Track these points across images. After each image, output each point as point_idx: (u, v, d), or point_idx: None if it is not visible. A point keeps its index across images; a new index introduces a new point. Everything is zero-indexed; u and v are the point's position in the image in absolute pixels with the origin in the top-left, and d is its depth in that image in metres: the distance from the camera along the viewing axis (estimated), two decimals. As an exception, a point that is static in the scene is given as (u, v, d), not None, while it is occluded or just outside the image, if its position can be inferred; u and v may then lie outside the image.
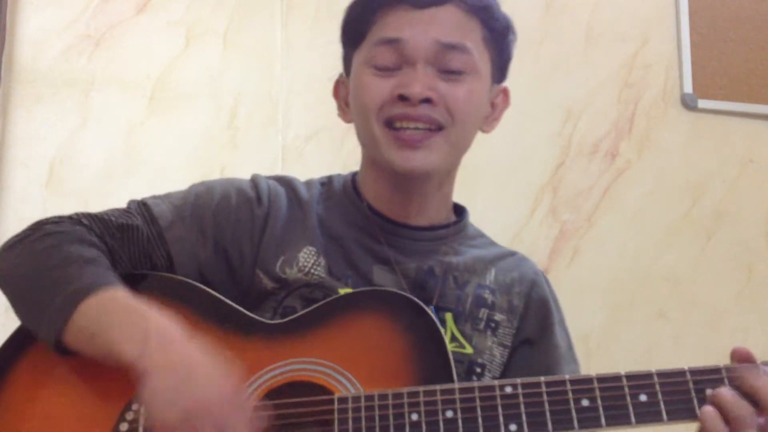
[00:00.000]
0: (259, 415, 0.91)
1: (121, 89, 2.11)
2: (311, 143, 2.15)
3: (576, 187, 2.29)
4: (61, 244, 1.02)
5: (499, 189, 2.24)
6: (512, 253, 1.23)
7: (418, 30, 1.06)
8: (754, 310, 2.27)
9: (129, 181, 2.05)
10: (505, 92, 1.20)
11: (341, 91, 1.19)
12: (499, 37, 1.13)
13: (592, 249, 2.26)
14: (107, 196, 2.01)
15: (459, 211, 1.24)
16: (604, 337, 2.19)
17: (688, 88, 2.37)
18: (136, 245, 1.08)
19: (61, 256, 1.00)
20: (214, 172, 2.07)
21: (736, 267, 2.32)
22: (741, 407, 0.86)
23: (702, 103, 2.37)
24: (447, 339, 1.08)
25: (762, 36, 2.44)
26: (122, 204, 1.14)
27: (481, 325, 1.13)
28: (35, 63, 2.08)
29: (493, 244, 1.24)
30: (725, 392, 0.87)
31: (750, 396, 0.87)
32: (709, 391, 0.89)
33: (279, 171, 2.10)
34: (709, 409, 0.87)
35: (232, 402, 0.88)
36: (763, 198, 2.38)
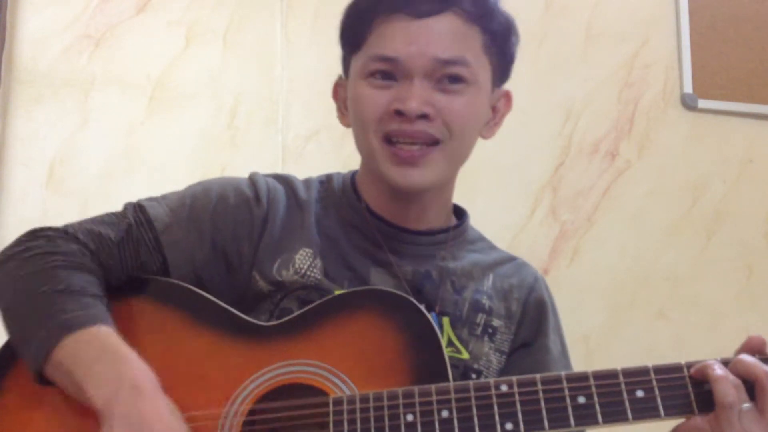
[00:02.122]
0: None
1: (121, 89, 2.11)
2: (311, 143, 2.15)
3: (576, 187, 2.29)
4: (53, 269, 1.01)
5: (499, 189, 2.23)
6: (512, 258, 1.22)
7: (416, 47, 1.04)
8: (754, 310, 2.27)
9: (129, 181, 2.05)
10: (507, 96, 1.18)
11: (341, 93, 1.18)
12: (500, 41, 1.11)
13: (592, 249, 2.26)
14: (107, 196, 2.01)
15: (459, 213, 1.23)
16: (604, 337, 2.19)
17: (688, 88, 2.37)
18: (130, 257, 1.07)
19: (51, 283, 0.99)
20: (214, 172, 2.07)
21: (736, 267, 2.32)
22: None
23: (702, 103, 2.37)
24: (444, 343, 1.07)
25: (762, 36, 2.44)
26: (121, 204, 1.13)
27: (478, 331, 1.12)
28: (35, 63, 2.08)
29: (492, 248, 1.23)
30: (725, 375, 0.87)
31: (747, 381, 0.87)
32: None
33: (279, 171, 2.10)
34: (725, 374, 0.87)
35: None
36: (763, 198, 2.38)
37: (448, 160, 1.09)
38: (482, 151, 2.27)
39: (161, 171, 2.07)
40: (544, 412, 0.89)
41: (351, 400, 0.92)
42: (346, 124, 1.16)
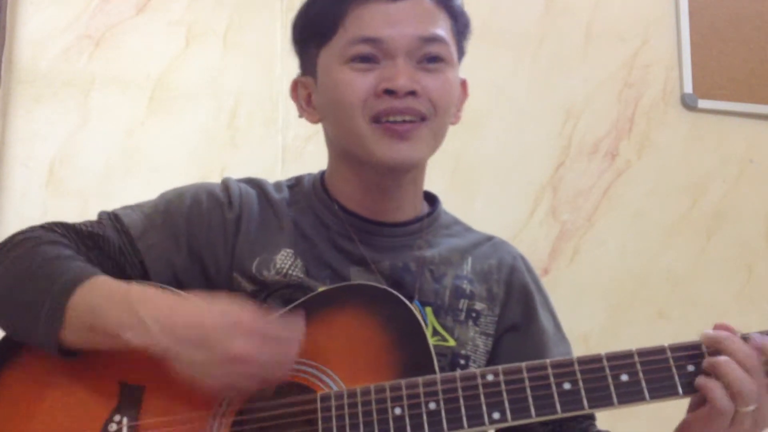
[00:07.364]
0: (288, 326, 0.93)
1: (121, 89, 2.11)
2: (311, 143, 2.15)
3: (576, 187, 2.29)
4: (37, 247, 1.02)
5: (499, 189, 2.23)
6: (489, 238, 1.22)
7: (397, 28, 1.07)
8: (754, 310, 2.27)
9: (129, 181, 2.05)
10: (464, 84, 1.20)
11: (300, 91, 1.19)
12: (462, 29, 1.15)
13: (592, 249, 2.26)
14: (107, 196, 2.01)
15: (431, 199, 1.23)
16: (604, 337, 2.19)
17: (688, 88, 2.37)
18: (107, 255, 1.07)
19: (39, 258, 1.00)
20: (214, 172, 2.07)
21: (736, 267, 2.32)
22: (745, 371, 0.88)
23: (702, 103, 2.38)
24: (429, 333, 1.07)
25: (762, 36, 2.44)
26: (121, 204, 1.14)
27: (462, 316, 1.12)
28: (35, 63, 2.08)
29: (469, 230, 1.24)
30: (722, 360, 0.89)
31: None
32: (706, 362, 0.90)
33: (279, 171, 2.11)
34: (711, 382, 0.88)
35: (257, 335, 0.90)
36: (763, 198, 2.38)
37: (433, 135, 1.10)
38: (482, 151, 2.27)
39: (161, 171, 2.07)
40: (530, 399, 0.90)
41: (338, 396, 0.93)
42: (315, 121, 1.17)
